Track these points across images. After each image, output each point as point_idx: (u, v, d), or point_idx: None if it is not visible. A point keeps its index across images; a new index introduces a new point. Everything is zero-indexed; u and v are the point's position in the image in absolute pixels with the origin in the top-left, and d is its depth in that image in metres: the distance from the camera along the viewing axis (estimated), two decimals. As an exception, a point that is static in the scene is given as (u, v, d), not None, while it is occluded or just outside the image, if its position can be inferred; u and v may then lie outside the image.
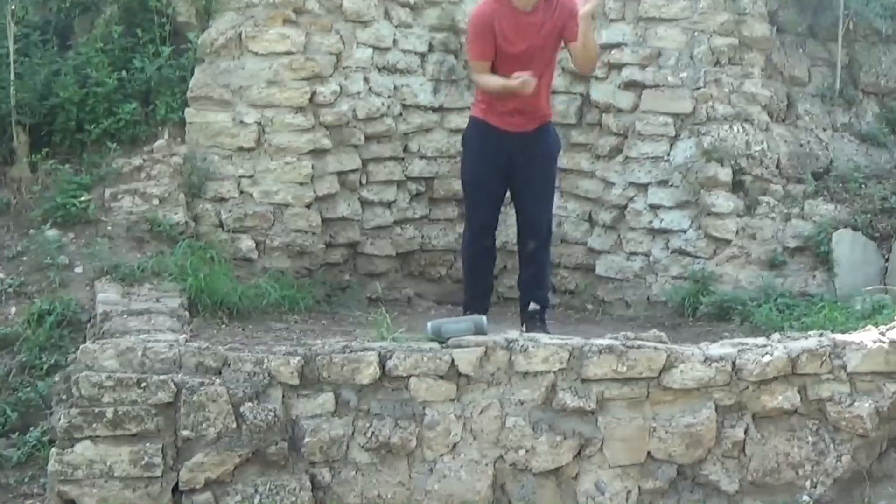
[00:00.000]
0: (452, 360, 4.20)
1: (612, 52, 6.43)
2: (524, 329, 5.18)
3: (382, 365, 4.17)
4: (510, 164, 5.35)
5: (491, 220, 5.49)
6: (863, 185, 6.26)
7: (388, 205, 6.40)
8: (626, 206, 6.35)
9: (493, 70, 5.30)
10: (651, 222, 6.26)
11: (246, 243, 5.88)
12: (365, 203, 6.31)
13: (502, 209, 6.30)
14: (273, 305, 5.52)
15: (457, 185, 6.38)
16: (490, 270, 5.58)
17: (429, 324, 4.44)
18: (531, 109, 5.33)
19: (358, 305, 6.02)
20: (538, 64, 5.27)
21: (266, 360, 4.12)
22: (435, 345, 4.28)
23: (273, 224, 5.96)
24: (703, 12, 6.30)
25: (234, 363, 4.12)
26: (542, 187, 5.47)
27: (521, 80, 5.14)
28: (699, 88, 6.21)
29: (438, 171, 6.49)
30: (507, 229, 6.39)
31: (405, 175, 6.45)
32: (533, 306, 5.44)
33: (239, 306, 5.31)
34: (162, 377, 4.02)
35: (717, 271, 5.98)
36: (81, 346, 4.13)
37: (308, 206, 6.04)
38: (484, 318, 4.50)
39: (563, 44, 5.36)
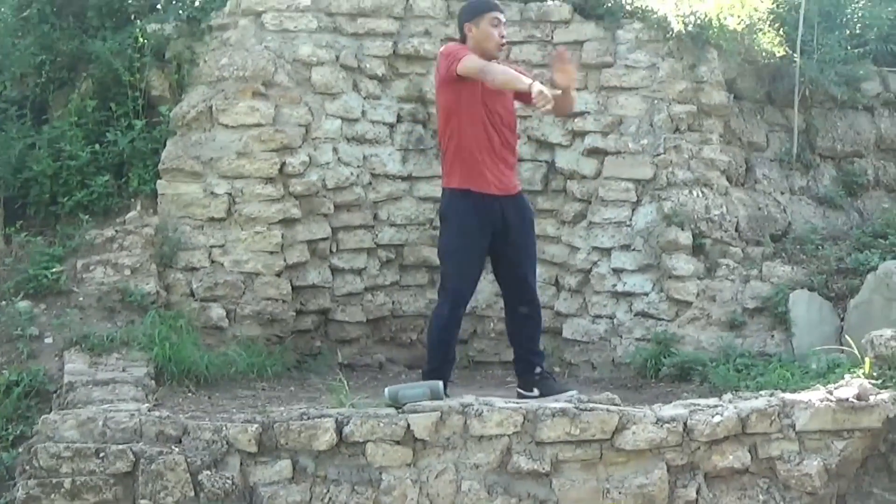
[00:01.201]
0: (408, 425, 4.27)
1: (576, 120, 6.59)
2: (540, 393, 5.03)
3: (339, 431, 4.24)
4: (496, 230, 5.11)
5: (471, 292, 5.27)
6: (819, 247, 6.37)
7: (359, 272, 6.49)
8: (590, 271, 6.45)
9: (461, 110, 5.04)
10: (615, 286, 6.35)
11: (217, 312, 5.97)
12: (335, 270, 6.42)
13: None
14: (241, 373, 5.61)
15: (427, 252, 6.50)
16: (456, 341, 5.30)
17: (386, 389, 4.52)
18: (512, 162, 5.19)
19: (329, 371, 6.05)
20: (504, 119, 5.15)
21: (225, 428, 4.19)
22: (391, 410, 4.35)
23: (244, 293, 6.06)
24: (663, 81, 6.48)
25: (194, 431, 4.19)
26: (530, 251, 5.31)
27: (541, 89, 4.77)
28: (659, 154, 6.36)
29: (408, 239, 6.60)
30: (477, 294, 6.50)
31: (375, 243, 6.56)
32: (538, 370, 5.21)
33: (206, 374, 5.39)
34: (120, 447, 4.07)
35: (678, 333, 6.06)
36: (42, 417, 4.20)
37: (278, 274, 6.15)
38: (440, 383, 4.56)
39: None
